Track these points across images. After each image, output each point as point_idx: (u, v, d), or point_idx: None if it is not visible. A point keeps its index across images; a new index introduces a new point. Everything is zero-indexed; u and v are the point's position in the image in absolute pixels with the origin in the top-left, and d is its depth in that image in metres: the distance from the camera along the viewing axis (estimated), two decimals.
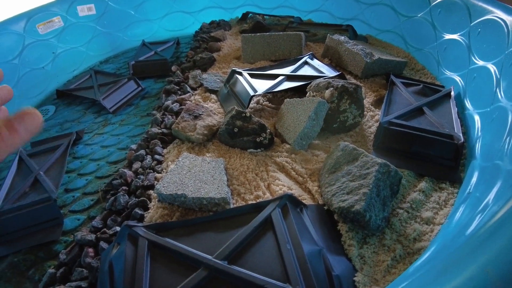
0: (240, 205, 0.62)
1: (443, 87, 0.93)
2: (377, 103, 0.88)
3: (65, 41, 1.35)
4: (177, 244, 0.51)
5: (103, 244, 0.60)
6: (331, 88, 0.74)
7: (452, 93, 0.86)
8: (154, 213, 0.62)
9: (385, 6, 1.23)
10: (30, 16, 1.24)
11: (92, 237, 0.62)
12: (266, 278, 0.46)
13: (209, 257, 0.48)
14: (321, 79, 0.79)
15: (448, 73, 0.96)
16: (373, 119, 0.82)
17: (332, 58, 1.06)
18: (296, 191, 0.64)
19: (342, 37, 1.04)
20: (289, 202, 0.56)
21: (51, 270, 0.59)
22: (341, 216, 0.57)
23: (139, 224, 0.55)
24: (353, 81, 0.89)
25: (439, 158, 0.71)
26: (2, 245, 0.67)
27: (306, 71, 0.93)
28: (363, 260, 0.53)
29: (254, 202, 0.61)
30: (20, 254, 0.64)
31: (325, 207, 0.60)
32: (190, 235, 0.53)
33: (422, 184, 0.65)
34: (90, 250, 0.60)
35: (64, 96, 1.21)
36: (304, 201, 0.61)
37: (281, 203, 0.55)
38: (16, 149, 0.48)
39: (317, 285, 0.45)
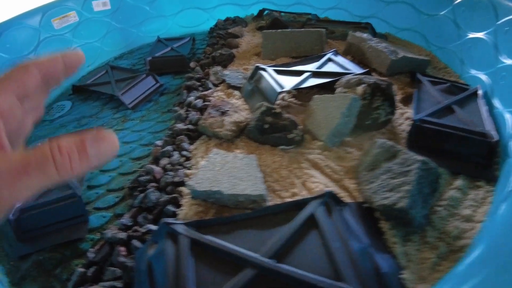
0: (277, 202, 0.61)
1: (468, 85, 0.92)
2: (404, 101, 0.87)
3: (80, 36, 1.34)
4: (220, 242, 0.49)
5: (135, 243, 0.58)
6: (364, 85, 0.73)
7: (480, 91, 0.85)
8: (188, 210, 0.61)
9: (405, 4, 1.22)
10: (46, 11, 1.22)
11: (123, 235, 0.60)
12: (317, 277, 0.44)
13: (256, 255, 0.47)
14: (351, 76, 0.78)
15: (473, 72, 0.95)
16: (402, 116, 0.81)
17: (355, 56, 1.05)
18: (333, 189, 0.63)
19: (365, 35, 1.03)
20: (331, 200, 0.55)
21: (80, 269, 0.57)
22: (384, 214, 0.56)
23: (179, 222, 0.53)
24: (384, 78, 0.88)
25: (473, 156, 0.70)
26: (25, 243, 0.66)
27: (331, 67, 0.92)
28: (407, 258, 0.52)
29: (291, 199, 0.60)
30: (45, 252, 0.63)
31: (365, 205, 0.59)
32: (231, 232, 0.52)
33: (458, 182, 0.65)
34: (122, 248, 0.58)
35: (80, 91, 1.19)
36: (342, 199, 0.59)
37: (323, 201, 0.54)
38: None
39: (369, 283, 0.44)
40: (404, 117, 0.81)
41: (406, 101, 0.87)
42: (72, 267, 0.60)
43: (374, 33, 1.24)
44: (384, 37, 1.24)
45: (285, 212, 0.54)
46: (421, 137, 0.72)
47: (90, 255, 0.59)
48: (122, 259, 0.56)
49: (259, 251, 0.48)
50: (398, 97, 0.88)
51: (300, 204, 0.54)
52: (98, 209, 0.71)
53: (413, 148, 0.72)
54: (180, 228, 0.52)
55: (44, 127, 1.05)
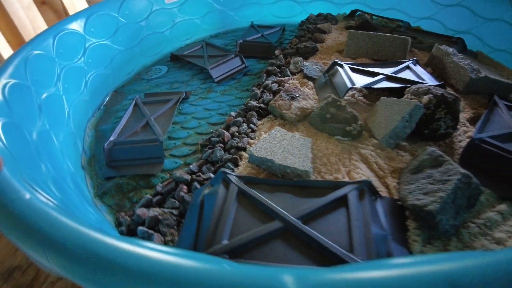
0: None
1: None
2: (473, 121, 0.87)
3: (185, 12, 1.51)
4: (261, 196, 0.59)
5: (196, 184, 0.71)
6: (430, 95, 0.75)
7: None
8: (243, 170, 0.72)
9: (507, 24, 1.17)
10: None
11: (188, 177, 0.73)
12: (333, 244, 0.51)
13: (287, 213, 0.56)
14: (421, 85, 0.81)
15: None
16: (465, 134, 0.81)
17: (436, 68, 1.05)
18: (374, 183, 0.68)
19: (451, 49, 1.02)
20: (366, 188, 0.60)
21: (148, 196, 0.71)
22: (413, 213, 0.60)
23: (233, 173, 0.64)
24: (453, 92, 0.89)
25: None
26: (112, 168, 0.83)
27: (406, 75, 0.94)
28: None
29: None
30: (124, 179, 0.79)
31: (399, 203, 0.63)
32: (272, 192, 0.62)
33: (502, 206, 0.64)
34: (184, 187, 0.71)
35: (176, 60, 1.37)
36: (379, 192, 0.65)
37: (359, 187, 0.60)
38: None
39: None
40: (467, 135, 0.81)
41: (475, 121, 0.86)
42: (142, 194, 0.75)
43: (464, 49, 1.21)
44: (474, 55, 1.20)
45: (324, 189, 0.62)
46: (477, 156, 0.73)
47: (158, 188, 0.74)
48: (182, 194, 0.69)
49: (291, 211, 0.57)
50: (467, 116, 0.88)
51: (338, 185, 0.61)
52: (173, 156, 0.85)
53: (466, 166, 0.73)
54: (233, 178, 0.63)
55: (142, 84, 1.24)
